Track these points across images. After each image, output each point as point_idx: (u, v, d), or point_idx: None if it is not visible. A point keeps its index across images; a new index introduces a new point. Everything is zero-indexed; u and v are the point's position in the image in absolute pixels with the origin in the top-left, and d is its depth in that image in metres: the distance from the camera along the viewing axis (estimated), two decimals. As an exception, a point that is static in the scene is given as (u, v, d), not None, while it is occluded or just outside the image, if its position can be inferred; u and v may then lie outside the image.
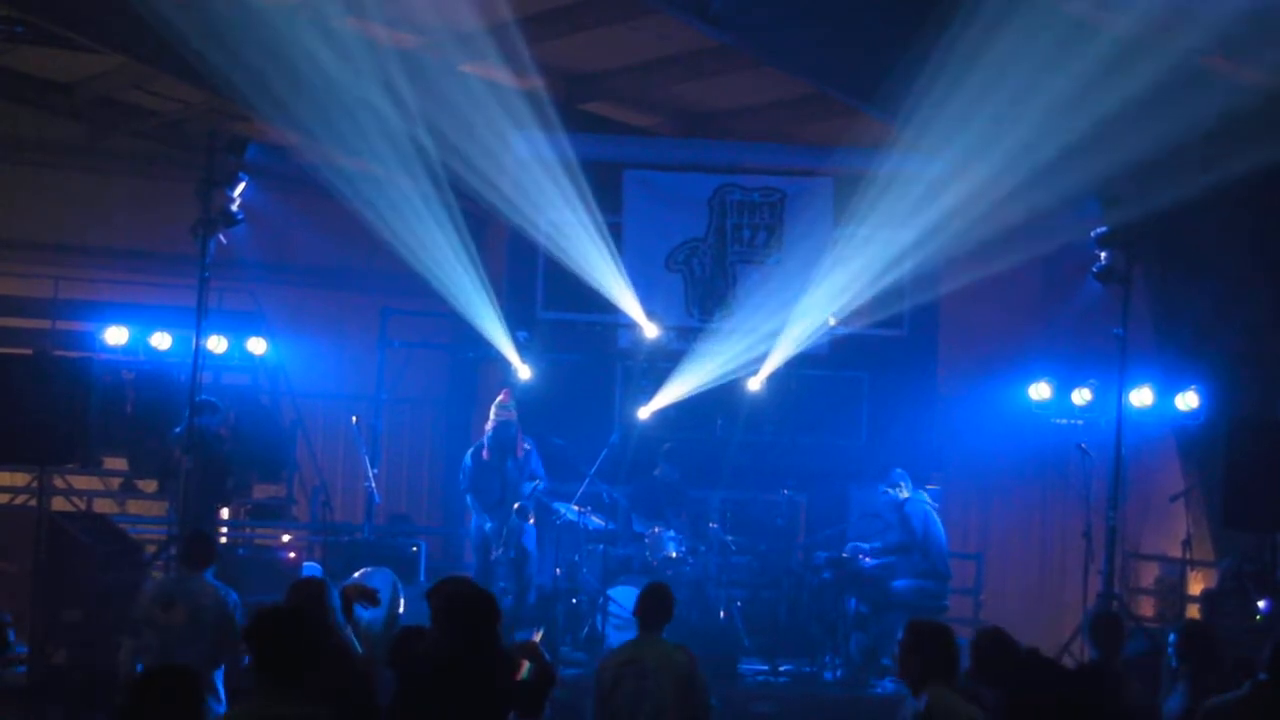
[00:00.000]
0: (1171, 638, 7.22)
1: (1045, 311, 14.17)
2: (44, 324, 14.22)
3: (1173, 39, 10.29)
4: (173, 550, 9.90)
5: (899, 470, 11.11)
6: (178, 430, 10.35)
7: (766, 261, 13.29)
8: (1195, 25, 10.15)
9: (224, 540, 12.00)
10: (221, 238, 9.93)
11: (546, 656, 6.38)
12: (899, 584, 10.79)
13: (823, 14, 11.40)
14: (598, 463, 11.49)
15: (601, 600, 10.88)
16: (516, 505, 11.22)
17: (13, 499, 12.37)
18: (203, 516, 10.28)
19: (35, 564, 9.88)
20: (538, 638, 6.53)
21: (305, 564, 11.37)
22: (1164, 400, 12.33)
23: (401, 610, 9.22)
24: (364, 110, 11.88)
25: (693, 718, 7.13)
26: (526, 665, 6.27)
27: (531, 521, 11.35)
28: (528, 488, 11.40)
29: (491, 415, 11.54)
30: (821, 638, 10.96)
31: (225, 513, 12.33)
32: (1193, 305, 12.75)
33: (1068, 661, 9.89)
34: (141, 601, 7.95)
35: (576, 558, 11.29)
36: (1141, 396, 12.20)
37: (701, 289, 13.35)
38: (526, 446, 11.53)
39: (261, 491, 13.51)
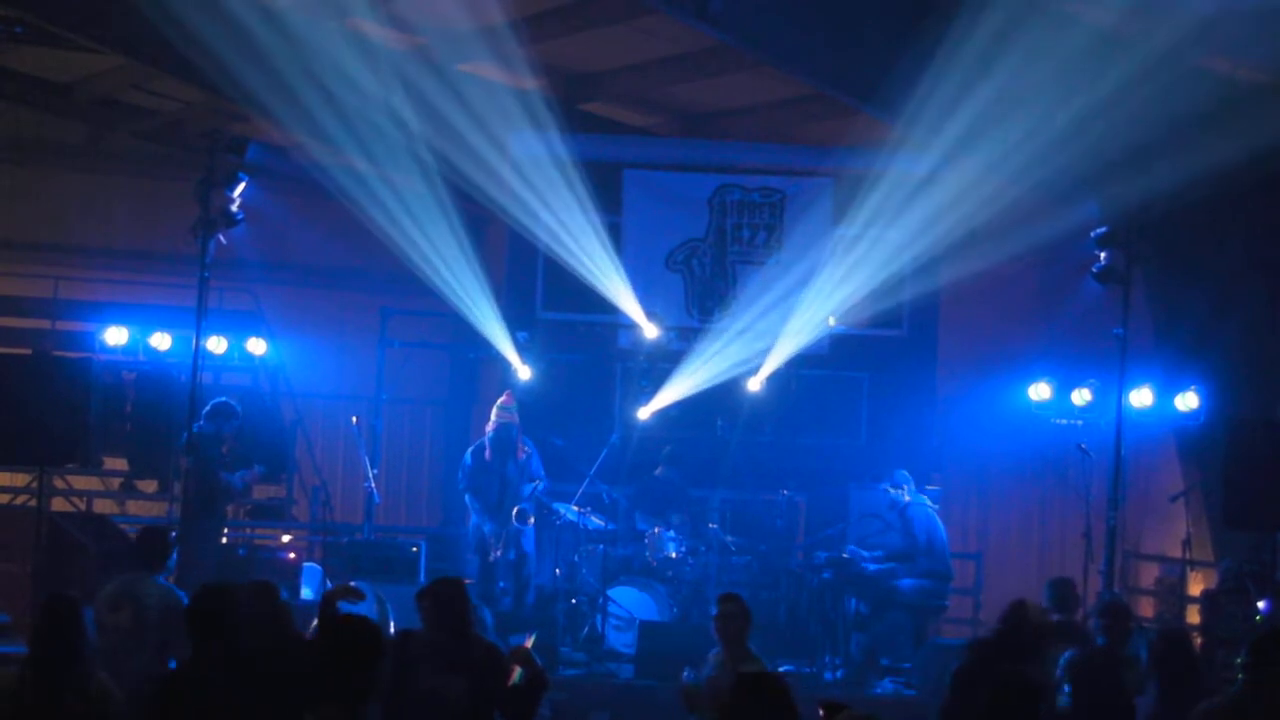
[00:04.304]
0: (1151, 637, 7.25)
1: (1045, 311, 14.16)
2: (44, 324, 14.23)
3: (1173, 39, 10.29)
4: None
5: (903, 472, 11.09)
6: (185, 438, 10.31)
7: (766, 261, 13.29)
8: (1195, 25, 10.15)
9: (224, 540, 11.97)
10: (221, 238, 9.92)
11: (538, 661, 6.38)
12: (900, 584, 10.79)
13: (823, 14, 11.41)
14: (598, 463, 11.50)
15: (601, 601, 10.89)
16: (516, 509, 11.23)
17: (13, 499, 12.38)
18: (201, 519, 10.26)
19: (35, 564, 9.88)
20: (529, 643, 6.52)
21: (305, 564, 11.38)
22: (1164, 400, 12.33)
23: (392, 627, 9.23)
24: (364, 110, 11.88)
25: None
26: (518, 670, 6.28)
27: (531, 523, 11.36)
28: (527, 489, 11.41)
29: (493, 417, 11.55)
30: (821, 638, 10.96)
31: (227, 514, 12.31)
32: (1192, 305, 12.76)
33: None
34: (95, 605, 7.88)
35: (576, 558, 11.29)
36: (1141, 396, 12.20)
37: (701, 289, 13.36)
38: (527, 450, 11.54)
39: (261, 492, 13.49)
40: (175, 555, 8.06)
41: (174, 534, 8.35)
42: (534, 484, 11.46)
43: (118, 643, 7.51)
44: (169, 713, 5.51)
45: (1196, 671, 7.05)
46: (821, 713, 5.03)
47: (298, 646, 6.29)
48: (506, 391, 11.76)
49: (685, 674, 7.36)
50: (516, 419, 11.53)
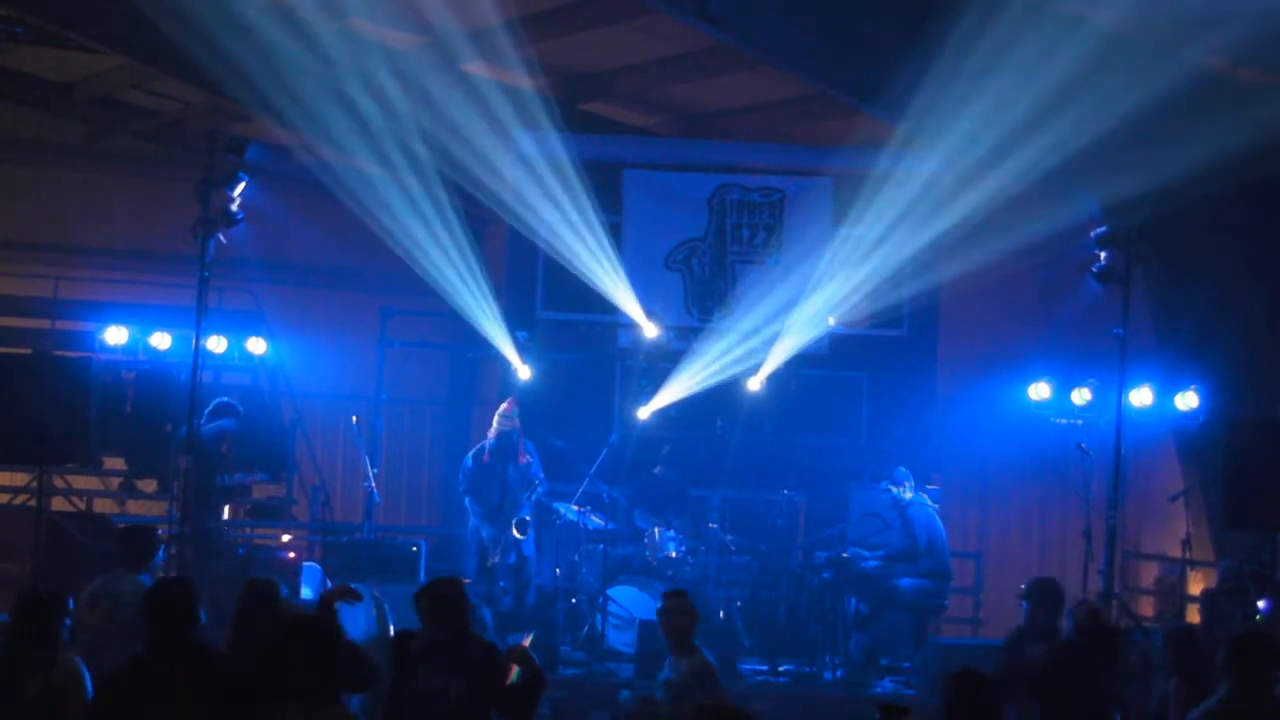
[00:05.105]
0: (1156, 635, 7.25)
1: (1045, 311, 14.17)
2: (44, 324, 14.21)
3: (1174, 40, 10.29)
4: (172, 550, 9.90)
5: (903, 469, 11.08)
6: (183, 432, 10.33)
7: (766, 261, 13.30)
8: (1196, 27, 10.15)
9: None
10: (221, 237, 9.92)
11: (536, 660, 6.38)
12: (899, 583, 10.79)
13: (823, 14, 11.40)
14: (598, 463, 11.50)
15: (601, 600, 10.89)
16: (515, 521, 11.23)
17: (13, 499, 12.37)
18: (198, 518, 10.26)
19: (35, 564, 9.88)
20: (527, 642, 6.53)
21: (305, 563, 11.38)
22: (1164, 400, 12.33)
23: (391, 631, 9.23)
24: (364, 110, 11.88)
25: None
26: (515, 670, 6.28)
27: (529, 534, 11.37)
28: (526, 495, 11.41)
29: (494, 424, 11.56)
30: (821, 638, 10.96)
31: (225, 513, 12.31)
32: (1192, 305, 12.76)
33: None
34: (77, 604, 7.89)
35: (576, 558, 11.30)
36: (1141, 396, 12.20)
37: (701, 289, 13.36)
38: (528, 456, 11.55)
39: (261, 491, 13.51)
40: (161, 553, 8.05)
41: (160, 532, 8.35)
42: (533, 490, 11.46)
43: (92, 640, 7.52)
44: (123, 706, 5.47)
45: (1209, 669, 7.04)
46: (879, 716, 5.00)
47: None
48: (509, 399, 11.76)
49: (622, 694, 7.37)
50: (518, 426, 11.55)
